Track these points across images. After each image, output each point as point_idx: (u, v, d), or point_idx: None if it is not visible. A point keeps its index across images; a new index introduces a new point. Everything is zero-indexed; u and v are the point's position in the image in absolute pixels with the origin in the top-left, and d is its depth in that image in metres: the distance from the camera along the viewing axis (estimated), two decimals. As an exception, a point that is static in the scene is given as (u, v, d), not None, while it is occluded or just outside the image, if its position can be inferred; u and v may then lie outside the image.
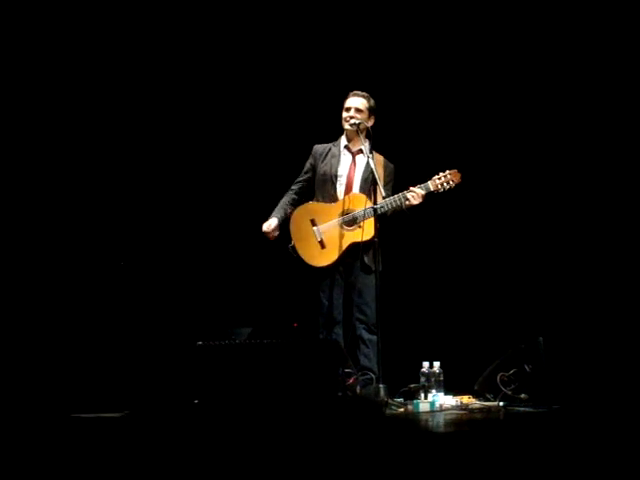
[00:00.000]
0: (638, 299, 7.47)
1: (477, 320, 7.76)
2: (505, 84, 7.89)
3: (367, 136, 6.43)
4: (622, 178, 7.66)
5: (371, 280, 6.33)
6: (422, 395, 6.35)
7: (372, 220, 6.29)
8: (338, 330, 6.48)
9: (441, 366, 6.47)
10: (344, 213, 6.44)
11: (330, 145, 6.60)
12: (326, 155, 6.55)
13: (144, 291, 7.75)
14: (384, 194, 6.27)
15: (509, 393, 6.48)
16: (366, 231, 6.32)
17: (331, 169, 6.54)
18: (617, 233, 7.66)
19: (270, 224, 6.51)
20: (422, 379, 6.44)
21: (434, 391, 6.39)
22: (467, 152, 7.80)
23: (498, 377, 6.54)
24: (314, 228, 6.39)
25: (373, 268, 6.33)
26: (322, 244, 6.39)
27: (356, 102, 6.51)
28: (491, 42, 7.90)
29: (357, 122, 6.42)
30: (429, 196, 6.39)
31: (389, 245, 6.49)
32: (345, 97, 6.59)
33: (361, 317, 6.45)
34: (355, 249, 6.41)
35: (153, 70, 7.94)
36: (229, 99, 8.04)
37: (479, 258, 7.93)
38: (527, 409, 6.27)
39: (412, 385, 6.38)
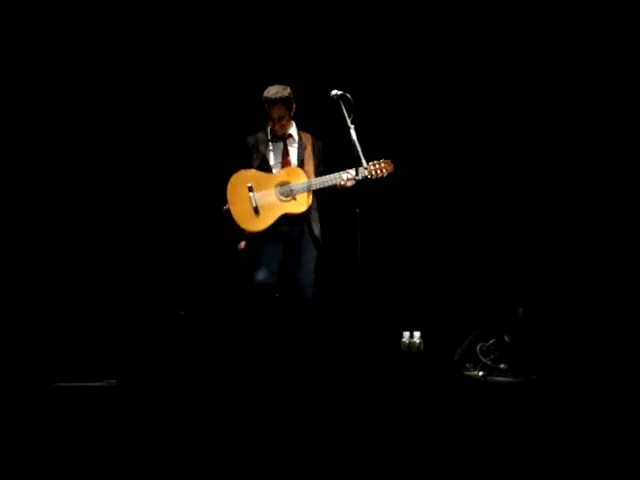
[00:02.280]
0: (617, 270, 7.54)
1: (457, 290, 7.81)
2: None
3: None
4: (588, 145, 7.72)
5: (315, 253, 6.58)
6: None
7: (306, 194, 6.53)
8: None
9: (421, 336, 6.52)
10: (281, 184, 6.54)
11: (259, 134, 6.70)
12: (258, 146, 6.63)
13: (125, 260, 7.77)
14: (320, 170, 6.60)
15: (488, 363, 6.55)
16: (299, 203, 6.53)
17: (266, 159, 6.62)
18: (599, 203, 7.72)
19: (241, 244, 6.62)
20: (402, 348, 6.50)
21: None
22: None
23: (478, 347, 6.61)
24: (250, 194, 6.49)
25: (321, 241, 6.60)
26: (256, 210, 6.48)
27: (278, 111, 6.61)
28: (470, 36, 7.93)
29: (287, 129, 6.67)
30: (366, 181, 6.48)
31: (370, 212, 6.53)
32: (263, 99, 6.60)
33: (302, 294, 6.55)
34: (297, 220, 6.55)
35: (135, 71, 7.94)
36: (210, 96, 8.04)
37: (460, 226, 7.97)
38: (506, 379, 6.34)
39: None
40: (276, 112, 6.62)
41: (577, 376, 6.41)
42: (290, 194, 6.56)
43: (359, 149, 6.24)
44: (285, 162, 6.68)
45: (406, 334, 6.54)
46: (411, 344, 6.51)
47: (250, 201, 6.53)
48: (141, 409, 5.42)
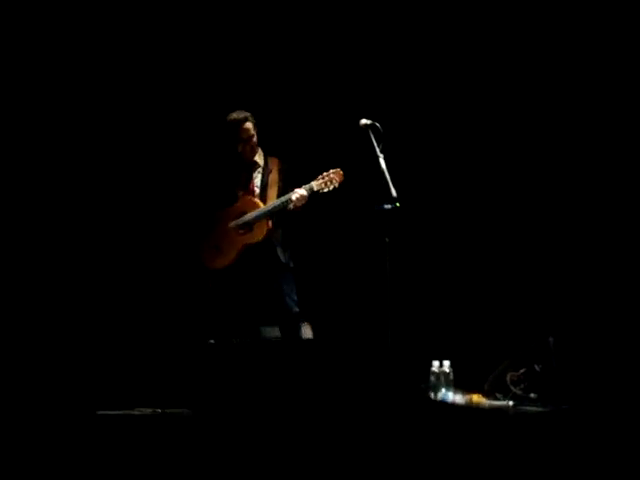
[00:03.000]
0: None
1: (487, 319, 7.78)
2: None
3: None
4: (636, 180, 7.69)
5: (290, 277, 6.65)
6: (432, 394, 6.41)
7: (262, 222, 6.59)
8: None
9: (451, 365, 6.50)
10: (238, 216, 6.61)
11: (222, 163, 6.73)
12: (223, 176, 6.67)
13: (160, 291, 7.80)
14: (289, 190, 6.61)
15: (518, 393, 6.52)
16: (255, 233, 6.60)
17: (232, 189, 6.68)
18: (630, 234, 7.68)
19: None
20: (432, 378, 6.48)
21: (443, 390, 6.43)
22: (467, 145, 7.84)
23: (508, 376, 6.58)
24: (210, 233, 6.60)
25: (291, 265, 6.69)
26: (217, 247, 6.57)
27: (247, 131, 6.65)
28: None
29: (256, 152, 6.72)
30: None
31: (398, 242, 6.53)
32: (229, 123, 6.61)
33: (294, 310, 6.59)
34: (261, 250, 6.59)
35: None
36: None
37: (490, 255, 7.95)
38: (536, 408, 6.31)
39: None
40: (245, 132, 6.62)
41: (607, 406, 6.36)
42: (246, 225, 6.60)
43: (388, 178, 6.25)
44: (249, 190, 6.69)
45: (436, 363, 6.51)
46: (441, 373, 6.49)
47: (210, 239, 6.59)
48: (183, 437, 5.45)
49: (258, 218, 6.60)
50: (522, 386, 6.54)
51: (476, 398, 6.60)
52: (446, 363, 6.51)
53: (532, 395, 6.50)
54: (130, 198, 7.87)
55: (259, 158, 6.77)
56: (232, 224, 6.61)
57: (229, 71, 8.00)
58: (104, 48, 7.83)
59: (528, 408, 6.35)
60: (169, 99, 7.95)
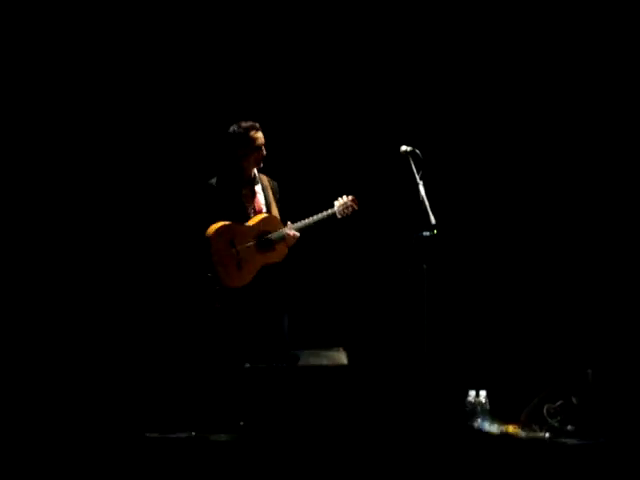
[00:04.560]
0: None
1: (526, 349, 7.73)
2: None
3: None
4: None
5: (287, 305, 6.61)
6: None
7: (283, 243, 6.53)
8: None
9: (487, 395, 6.45)
10: (259, 234, 6.51)
11: (221, 179, 6.58)
12: (227, 191, 6.55)
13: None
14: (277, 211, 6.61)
15: (555, 425, 6.46)
16: (278, 253, 6.53)
17: (241, 206, 6.57)
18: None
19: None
20: (468, 407, 6.44)
21: (479, 420, 6.38)
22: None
23: (545, 408, 6.52)
24: (233, 250, 6.43)
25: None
26: (239, 265, 6.44)
27: (263, 138, 6.59)
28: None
29: None
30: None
31: (436, 269, 6.51)
32: (247, 129, 6.53)
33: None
34: (272, 270, 6.54)
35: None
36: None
37: (529, 284, 7.91)
38: (573, 441, 6.24)
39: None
40: (259, 139, 6.53)
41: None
42: (270, 244, 6.54)
43: (427, 205, 6.23)
44: (256, 208, 6.64)
45: (472, 393, 6.46)
46: (477, 403, 6.44)
47: (233, 257, 6.48)
48: (227, 461, 5.46)
49: (282, 238, 6.55)
50: (559, 418, 6.48)
51: (512, 429, 6.54)
52: (482, 393, 6.46)
53: (569, 427, 6.43)
54: (139, 215, 7.85)
55: (255, 174, 6.68)
56: (256, 242, 6.53)
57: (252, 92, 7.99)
58: (109, 62, 7.83)
59: (565, 440, 6.29)
60: (174, 110, 7.92)
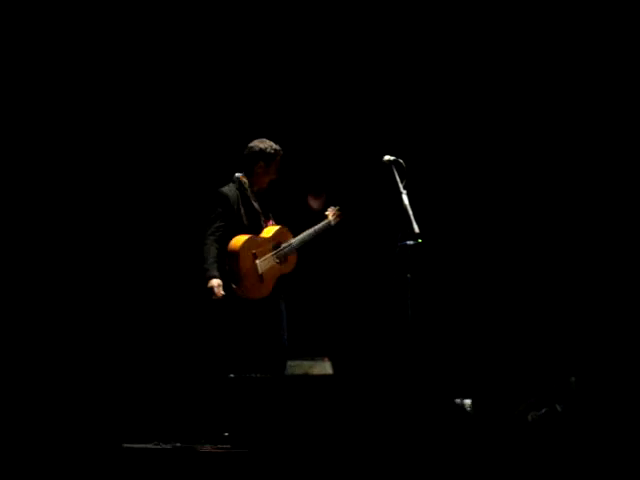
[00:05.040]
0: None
1: (510, 357, 7.75)
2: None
3: None
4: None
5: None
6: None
7: (294, 254, 6.64)
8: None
9: (472, 404, 6.47)
10: (276, 246, 6.58)
11: (233, 188, 6.60)
12: (241, 202, 6.56)
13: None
14: None
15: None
16: (291, 263, 6.62)
17: (256, 217, 6.59)
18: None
19: (219, 284, 6.50)
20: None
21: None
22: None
23: (529, 416, 6.54)
24: (256, 262, 6.49)
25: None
26: (261, 277, 6.49)
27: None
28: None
29: None
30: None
31: (420, 278, 6.52)
32: (275, 152, 6.60)
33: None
34: (280, 281, 6.61)
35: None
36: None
37: (513, 293, 7.93)
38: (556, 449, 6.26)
39: None
40: (278, 164, 6.62)
41: (628, 444, 6.31)
42: (285, 256, 6.60)
43: (411, 214, 6.24)
44: (265, 219, 6.68)
45: (457, 401, 6.47)
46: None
47: (256, 269, 6.51)
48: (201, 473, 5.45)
49: (293, 249, 6.62)
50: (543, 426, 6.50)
51: (497, 437, 6.55)
52: (467, 401, 6.47)
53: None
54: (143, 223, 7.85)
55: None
56: (273, 253, 6.58)
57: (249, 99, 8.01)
58: (115, 66, 7.86)
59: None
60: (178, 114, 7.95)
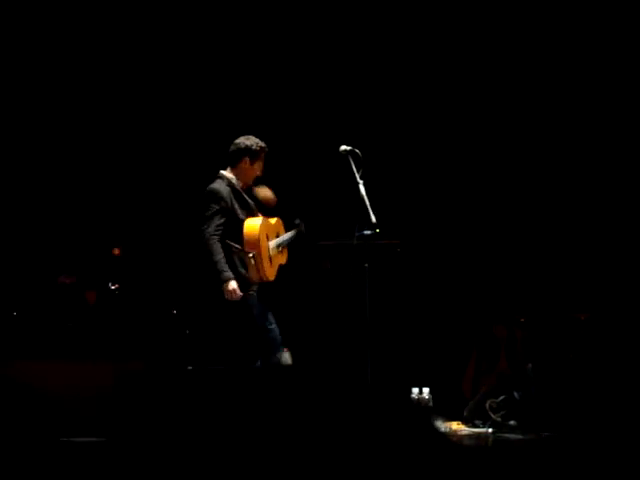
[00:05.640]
0: (625, 325, 7.51)
1: (469, 345, 7.78)
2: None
3: None
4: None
5: None
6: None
7: (286, 247, 6.62)
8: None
9: (430, 392, 6.48)
10: (276, 235, 6.58)
11: (224, 185, 6.52)
12: (234, 197, 6.53)
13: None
14: None
15: (498, 420, 6.51)
16: (285, 255, 6.63)
17: (251, 211, 6.56)
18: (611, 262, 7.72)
19: (237, 284, 6.47)
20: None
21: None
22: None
23: (487, 404, 6.57)
24: (269, 243, 6.48)
25: None
26: (271, 261, 6.49)
27: None
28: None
29: None
30: None
31: (377, 268, 6.53)
32: (262, 149, 6.54)
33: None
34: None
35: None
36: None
37: (469, 280, 7.96)
38: (516, 436, 6.30)
39: None
40: (263, 161, 6.58)
41: (587, 433, 6.36)
42: (282, 246, 6.58)
43: (368, 205, 6.25)
44: (259, 212, 6.63)
45: (415, 390, 6.49)
46: (420, 400, 6.47)
47: (268, 251, 6.50)
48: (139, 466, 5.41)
49: (288, 241, 6.61)
50: (502, 413, 6.53)
51: (455, 425, 6.58)
52: (426, 390, 6.48)
53: (511, 422, 6.49)
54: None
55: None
56: (275, 241, 6.53)
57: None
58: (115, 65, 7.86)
59: (507, 435, 6.34)
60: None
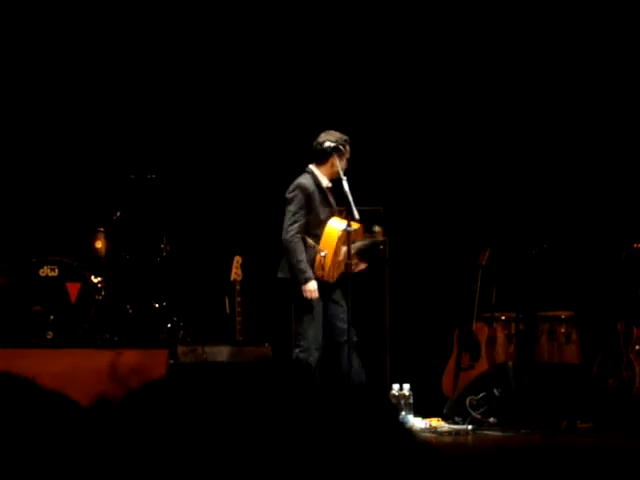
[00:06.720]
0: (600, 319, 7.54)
1: (447, 343, 7.80)
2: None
3: None
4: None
5: None
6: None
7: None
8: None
9: (411, 388, 6.49)
10: (353, 242, 6.40)
11: (312, 181, 6.44)
12: (316, 195, 6.42)
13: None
14: None
15: (478, 417, 6.53)
16: (358, 263, 6.54)
17: (333, 210, 6.48)
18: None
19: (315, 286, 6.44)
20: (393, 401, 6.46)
21: (403, 413, 6.41)
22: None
23: (467, 400, 6.58)
24: (343, 248, 6.37)
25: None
26: (339, 264, 6.41)
27: None
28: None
29: None
30: None
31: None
32: (347, 142, 6.42)
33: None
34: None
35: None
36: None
37: (451, 276, 7.97)
38: (495, 433, 6.32)
39: None
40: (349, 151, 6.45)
41: (567, 429, 6.40)
42: (356, 251, 6.46)
43: (351, 200, 6.25)
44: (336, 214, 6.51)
45: (395, 386, 6.50)
46: (400, 396, 6.48)
47: (339, 255, 6.36)
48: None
49: (361, 250, 6.53)
50: (481, 410, 6.55)
51: (435, 422, 6.59)
52: (406, 386, 6.49)
53: (491, 419, 6.51)
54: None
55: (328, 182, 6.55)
56: (349, 247, 6.35)
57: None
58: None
59: (487, 432, 6.37)
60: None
